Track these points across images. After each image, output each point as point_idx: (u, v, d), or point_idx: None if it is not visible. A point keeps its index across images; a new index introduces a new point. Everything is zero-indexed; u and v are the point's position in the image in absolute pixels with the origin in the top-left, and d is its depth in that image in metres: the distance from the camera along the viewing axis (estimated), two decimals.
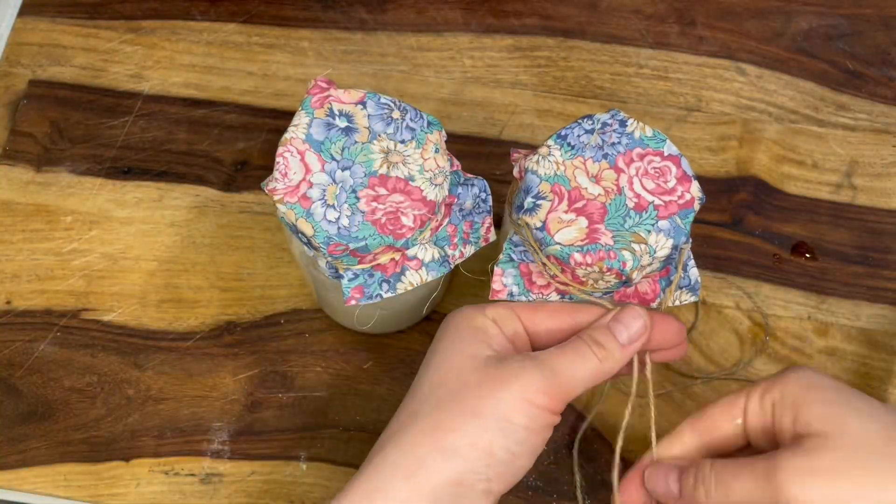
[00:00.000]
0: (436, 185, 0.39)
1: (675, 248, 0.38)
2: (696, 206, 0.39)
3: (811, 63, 0.57)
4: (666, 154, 0.40)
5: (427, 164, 0.39)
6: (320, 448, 0.48)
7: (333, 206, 0.38)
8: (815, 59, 0.57)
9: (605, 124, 0.40)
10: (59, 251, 0.52)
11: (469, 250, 0.42)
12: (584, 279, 0.39)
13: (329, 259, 0.39)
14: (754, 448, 0.37)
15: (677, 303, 0.41)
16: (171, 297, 0.51)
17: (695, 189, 0.39)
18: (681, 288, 0.41)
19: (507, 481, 0.36)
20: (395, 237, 0.38)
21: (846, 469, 0.32)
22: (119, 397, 0.48)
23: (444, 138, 0.40)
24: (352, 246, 0.38)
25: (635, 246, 0.38)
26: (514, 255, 0.41)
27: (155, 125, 0.55)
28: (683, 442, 0.38)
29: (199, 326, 0.50)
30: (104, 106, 0.56)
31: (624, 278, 0.38)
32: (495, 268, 0.41)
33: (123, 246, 0.52)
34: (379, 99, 0.40)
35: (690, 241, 0.40)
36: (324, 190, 0.38)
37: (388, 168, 0.39)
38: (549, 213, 0.39)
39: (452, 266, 0.41)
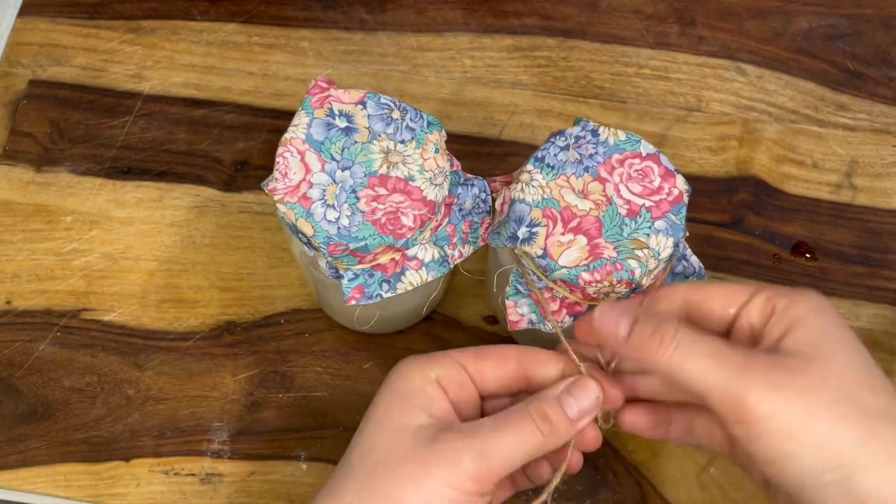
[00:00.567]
0: (436, 185, 0.39)
1: (676, 245, 0.38)
2: (685, 199, 0.39)
3: (811, 63, 0.57)
4: (644, 154, 0.40)
5: (427, 164, 0.39)
6: (320, 448, 0.48)
7: (333, 206, 0.38)
8: (815, 59, 0.57)
9: (577, 137, 0.40)
10: (59, 251, 0.52)
11: (468, 250, 0.42)
12: (595, 295, 0.39)
13: (329, 259, 0.39)
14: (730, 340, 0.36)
15: None
16: (171, 297, 0.51)
17: (680, 182, 0.40)
18: (687, 277, 0.42)
19: None
20: (395, 237, 0.38)
21: (811, 398, 0.32)
22: (119, 397, 0.48)
23: (444, 138, 0.40)
24: (352, 246, 0.38)
25: (639, 252, 0.38)
26: (520, 288, 0.41)
27: (155, 125, 0.55)
28: (672, 301, 0.36)
29: (199, 326, 0.50)
30: (104, 106, 0.56)
31: (634, 286, 0.38)
32: (506, 300, 0.41)
33: (123, 246, 0.52)
34: (379, 99, 0.40)
35: (686, 232, 0.40)
36: (324, 190, 0.38)
37: (388, 168, 0.39)
38: (546, 238, 0.38)
39: (452, 266, 0.41)
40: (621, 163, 0.40)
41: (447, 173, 0.40)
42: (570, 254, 0.38)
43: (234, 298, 0.51)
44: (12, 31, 0.58)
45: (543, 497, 0.36)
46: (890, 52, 0.57)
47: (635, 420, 0.38)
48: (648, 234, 0.38)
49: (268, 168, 0.54)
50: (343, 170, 0.39)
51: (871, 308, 0.51)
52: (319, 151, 0.39)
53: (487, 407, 0.38)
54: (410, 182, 0.39)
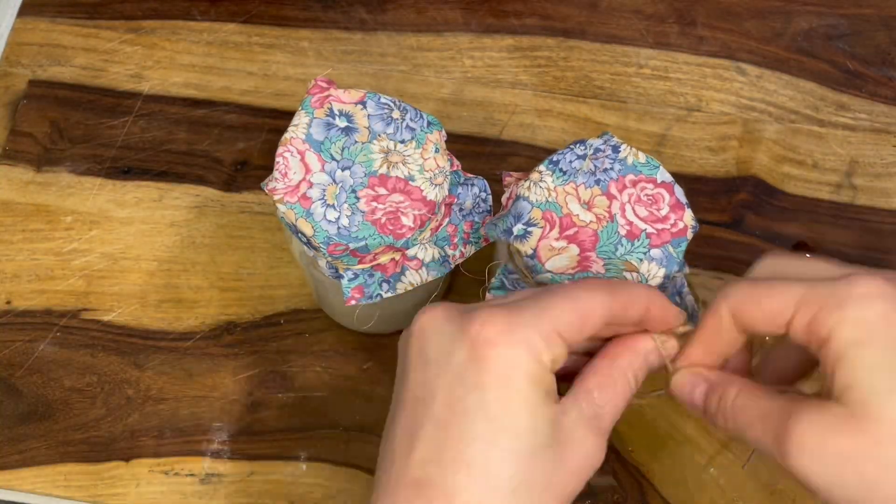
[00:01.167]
0: (436, 185, 0.39)
1: (667, 277, 0.38)
2: (690, 235, 0.38)
3: (811, 63, 0.57)
4: (659, 181, 0.39)
5: (427, 164, 0.39)
6: (320, 448, 0.48)
7: (333, 206, 0.38)
8: (815, 59, 0.57)
9: (597, 150, 0.40)
10: (59, 251, 0.52)
11: (469, 250, 0.42)
12: None
13: (329, 259, 0.39)
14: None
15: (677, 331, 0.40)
16: (171, 297, 0.51)
17: (688, 217, 0.39)
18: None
19: None
20: (395, 237, 0.38)
21: (859, 457, 0.29)
22: (119, 397, 0.48)
23: (444, 138, 0.40)
24: (352, 246, 0.38)
25: (627, 275, 0.37)
26: (506, 282, 0.40)
27: (155, 125, 0.55)
28: (721, 337, 0.33)
29: (199, 326, 0.50)
30: (104, 106, 0.56)
31: None
32: (487, 294, 0.40)
33: (123, 246, 0.52)
34: (379, 99, 0.40)
35: (687, 269, 0.39)
36: (324, 190, 0.38)
37: (388, 168, 0.39)
38: (539, 240, 0.38)
39: (452, 266, 0.41)
40: (634, 184, 0.39)
41: (447, 173, 0.40)
42: (558, 260, 0.38)
43: (234, 298, 0.51)
44: (12, 31, 0.58)
45: None
46: (890, 52, 0.57)
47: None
48: (641, 260, 0.38)
49: (268, 168, 0.54)
50: (343, 170, 0.39)
51: None
52: (319, 151, 0.39)
53: None
54: (410, 182, 0.39)
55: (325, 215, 0.38)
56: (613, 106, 0.55)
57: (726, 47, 0.57)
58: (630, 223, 0.38)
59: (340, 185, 0.39)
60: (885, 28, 0.58)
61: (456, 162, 0.41)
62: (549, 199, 0.39)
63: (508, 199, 0.40)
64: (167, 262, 0.52)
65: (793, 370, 0.36)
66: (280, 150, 0.39)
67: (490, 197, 0.42)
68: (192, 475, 0.47)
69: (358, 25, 0.58)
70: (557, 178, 0.39)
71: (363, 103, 0.40)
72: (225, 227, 0.52)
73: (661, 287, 0.38)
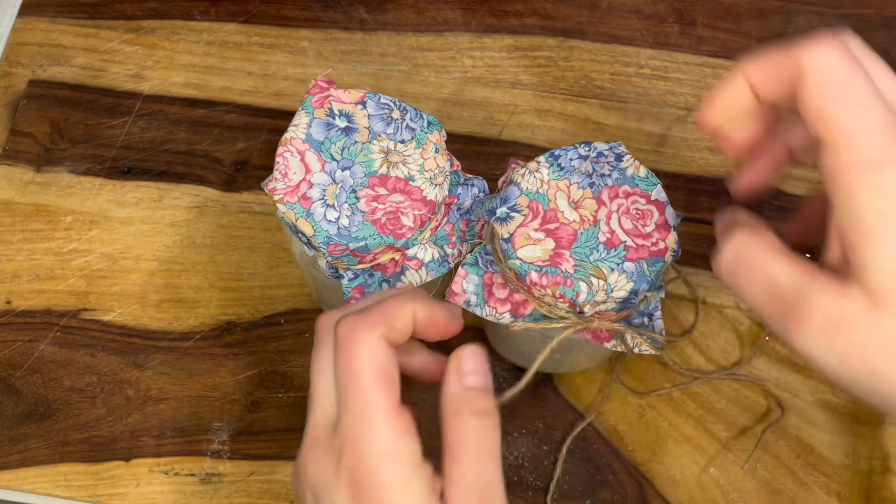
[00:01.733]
0: (436, 185, 0.39)
1: (633, 292, 0.38)
2: (669, 258, 0.38)
3: None
4: (653, 198, 0.39)
5: (427, 164, 0.39)
6: None
7: (333, 206, 0.38)
8: None
9: (601, 154, 0.40)
10: (59, 251, 0.52)
11: (467, 249, 0.42)
12: (539, 298, 0.38)
13: (329, 259, 0.39)
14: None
15: (636, 350, 0.40)
16: (171, 297, 0.51)
17: (671, 240, 0.39)
18: (642, 335, 0.40)
19: None
20: (395, 237, 0.38)
21: (873, 350, 0.28)
22: (119, 397, 0.48)
23: (444, 138, 0.40)
24: (352, 246, 0.38)
25: (593, 280, 0.37)
26: (480, 261, 0.40)
27: (155, 125, 0.55)
28: (737, 90, 0.33)
29: (199, 326, 0.50)
30: (104, 106, 0.56)
31: (577, 309, 0.38)
32: (460, 267, 0.40)
33: (123, 246, 0.52)
34: (379, 99, 0.40)
35: (663, 293, 0.39)
36: (324, 190, 0.38)
37: (388, 168, 0.39)
38: (519, 226, 0.38)
39: (452, 265, 0.41)
40: (627, 195, 0.39)
41: (447, 173, 0.40)
42: (531, 250, 0.38)
43: (234, 298, 0.51)
44: (12, 31, 0.58)
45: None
46: (890, 52, 0.57)
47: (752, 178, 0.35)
48: (612, 269, 0.38)
49: (268, 168, 0.54)
50: (343, 170, 0.39)
51: None
52: (319, 151, 0.39)
53: None
54: (410, 182, 0.39)
55: (325, 215, 0.38)
56: (613, 106, 0.55)
57: (726, 47, 0.57)
58: (612, 232, 0.38)
59: (340, 185, 0.39)
60: (885, 28, 0.58)
61: (456, 162, 0.41)
62: (540, 191, 0.39)
63: (504, 182, 0.40)
64: (167, 262, 0.52)
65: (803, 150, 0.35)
66: (280, 150, 0.39)
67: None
68: (192, 475, 0.47)
69: (358, 25, 0.58)
70: (554, 171, 0.39)
71: (363, 103, 0.40)
72: (225, 227, 0.52)
73: (627, 303, 0.38)
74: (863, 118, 0.29)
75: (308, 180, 0.39)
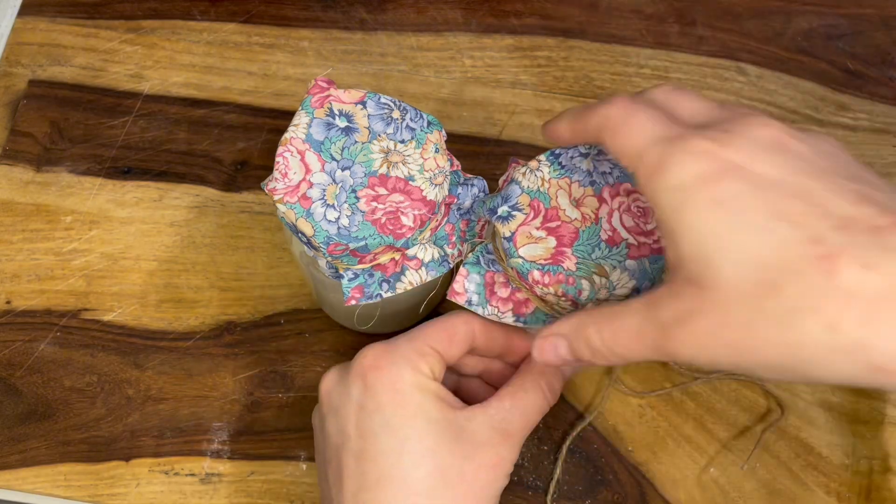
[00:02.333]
0: (436, 185, 0.39)
1: (635, 290, 0.38)
2: None
3: (811, 63, 0.57)
4: None
5: (427, 164, 0.39)
6: None
7: (333, 206, 0.38)
8: (816, 59, 0.57)
9: (601, 152, 0.40)
10: (59, 251, 0.52)
11: (467, 249, 0.42)
12: (542, 297, 0.38)
13: (329, 259, 0.39)
14: None
15: None
16: (171, 297, 0.51)
17: None
18: None
19: None
20: (395, 237, 0.38)
21: (717, 330, 0.29)
22: (119, 397, 0.48)
23: (444, 138, 0.40)
24: (352, 246, 0.38)
25: (596, 278, 0.37)
26: (482, 260, 0.40)
27: (155, 125, 0.55)
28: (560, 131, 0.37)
29: (199, 326, 0.50)
30: (104, 106, 0.56)
31: (579, 307, 0.38)
32: (461, 267, 0.40)
33: (123, 246, 0.52)
34: (379, 99, 0.40)
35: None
36: (324, 190, 0.38)
37: (388, 168, 0.39)
38: (520, 225, 0.38)
39: (452, 265, 0.41)
40: (628, 193, 0.39)
41: (447, 173, 0.40)
42: (533, 248, 0.38)
43: (234, 298, 0.51)
44: (12, 31, 0.58)
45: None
46: (890, 52, 0.57)
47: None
48: (615, 267, 0.38)
49: (268, 168, 0.54)
50: (343, 169, 0.39)
51: None
52: (319, 151, 0.39)
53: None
54: (410, 182, 0.39)
55: (325, 215, 0.38)
56: None
57: (726, 47, 0.57)
58: (614, 230, 0.38)
59: (340, 184, 0.39)
60: (885, 28, 0.58)
61: (456, 162, 0.41)
62: (541, 189, 0.39)
63: (504, 180, 0.40)
64: (167, 262, 0.52)
65: None
66: (280, 149, 0.39)
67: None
68: (192, 475, 0.47)
69: (358, 25, 0.58)
70: (555, 170, 0.39)
71: (363, 103, 0.40)
72: (225, 227, 0.52)
73: (628, 297, 0.38)
74: (636, 138, 0.32)
75: (308, 180, 0.38)
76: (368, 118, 0.40)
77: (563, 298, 0.37)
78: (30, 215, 0.53)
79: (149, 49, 0.57)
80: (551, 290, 0.37)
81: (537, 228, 0.38)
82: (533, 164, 0.39)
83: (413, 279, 0.40)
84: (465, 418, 0.36)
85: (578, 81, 0.56)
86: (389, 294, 0.40)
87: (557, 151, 0.40)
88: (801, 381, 0.31)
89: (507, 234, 0.38)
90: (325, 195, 0.38)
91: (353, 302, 0.40)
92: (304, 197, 0.38)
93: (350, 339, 0.50)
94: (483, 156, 0.54)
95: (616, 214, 0.39)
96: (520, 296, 0.40)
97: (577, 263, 0.38)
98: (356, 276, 0.40)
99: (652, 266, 0.38)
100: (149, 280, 0.51)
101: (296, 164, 0.39)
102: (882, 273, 0.26)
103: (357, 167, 0.39)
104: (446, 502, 0.34)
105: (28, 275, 0.51)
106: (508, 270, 0.39)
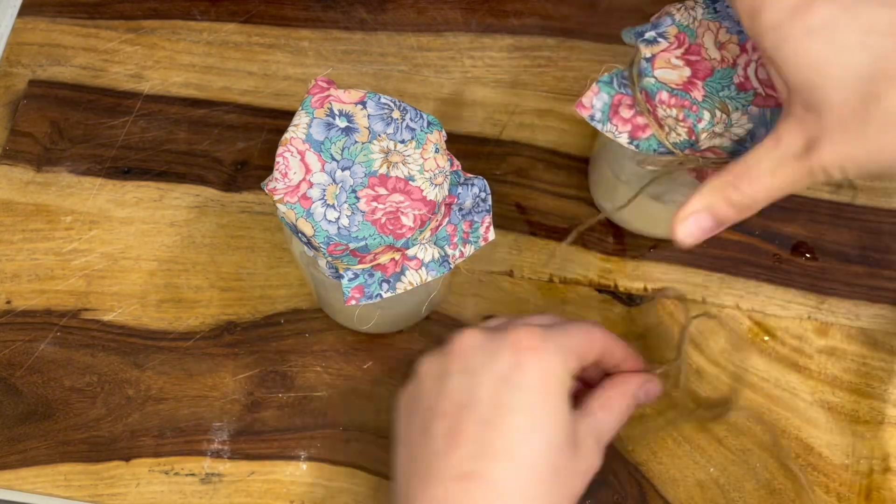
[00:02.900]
0: (436, 185, 0.39)
1: (750, 133, 0.40)
2: None
3: None
4: None
5: (427, 164, 0.39)
6: (320, 448, 0.48)
7: (333, 206, 0.38)
8: None
9: None
10: (59, 251, 0.52)
11: (469, 250, 0.42)
12: (662, 121, 0.41)
13: (329, 259, 0.39)
14: None
15: None
16: (171, 297, 0.51)
17: None
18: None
19: None
20: (395, 237, 0.38)
21: (843, 147, 0.31)
22: (119, 397, 0.48)
23: (444, 138, 0.40)
24: (352, 246, 0.38)
25: (717, 112, 0.40)
26: (615, 82, 0.43)
27: (155, 125, 0.55)
28: None
29: (199, 326, 0.50)
30: (104, 106, 0.56)
31: (693, 137, 0.40)
32: (594, 84, 0.43)
33: (123, 246, 0.52)
34: (379, 99, 0.40)
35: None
36: (324, 190, 0.38)
37: (388, 168, 0.39)
38: (662, 51, 0.41)
39: (452, 266, 0.41)
40: None
41: (447, 173, 0.40)
42: (669, 73, 0.40)
43: (234, 298, 0.51)
44: (12, 31, 0.58)
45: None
46: None
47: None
48: (737, 108, 0.40)
49: (268, 168, 0.54)
50: (343, 170, 0.39)
51: (871, 308, 0.51)
52: (319, 151, 0.39)
53: None
54: (410, 182, 0.39)
55: (325, 215, 0.38)
56: None
57: None
58: (746, 77, 0.41)
59: (340, 185, 0.39)
60: None
61: (456, 162, 0.41)
62: (691, 26, 0.42)
63: (658, 16, 0.43)
64: (167, 262, 0.52)
65: None
66: (280, 150, 0.39)
67: (490, 196, 0.42)
68: (192, 475, 0.47)
69: (358, 25, 0.58)
70: (709, 13, 0.42)
71: (363, 103, 0.40)
72: (225, 227, 0.52)
73: (741, 146, 0.40)
74: None
75: (308, 180, 0.38)
76: (368, 118, 0.40)
77: (682, 124, 0.40)
78: (30, 215, 0.53)
79: (149, 49, 0.57)
80: (673, 112, 0.40)
81: (677, 57, 0.41)
82: (689, 2, 0.42)
83: (413, 279, 0.40)
84: (575, 420, 0.37)
85: (578, 81, 0.56)
86: (389, 294, 0.40)
87: None
88: None
89: (648, 56, 0.41)
90: (325, 195, 0.38)
91: (353, 302, 0.40)
92: (304, 197, 0.38)
93: (350, 339, 0.50)
94: (483, 156, 0.54)
95: (753, 65, 0.41)
96: (640, 120, 0.42)
97: (704, 96, 0.40)
98: (356, 276, 0.40)
99: (773, 117, 0.40)
100: (149, 280, 0.51)
101: (296, 164, 0.39)
102: None
103: (357, 167, 0.39)
104: (551, 498, 0.35)
105: (28, 275, 0.51)
106: (637, 94, 0.41)
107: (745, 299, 0.51)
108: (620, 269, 0.51)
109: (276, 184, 0.38)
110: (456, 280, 0.51)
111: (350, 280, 0.40)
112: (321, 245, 0.38)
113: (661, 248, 0.52)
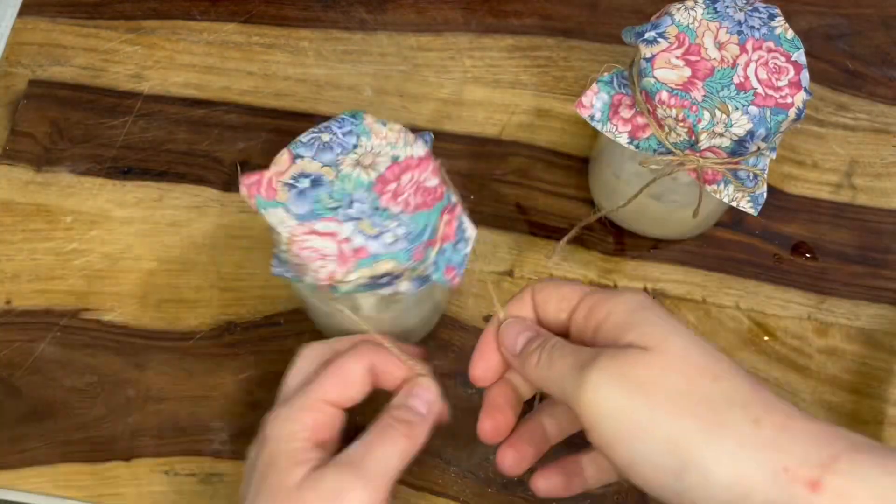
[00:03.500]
0: (411, 145, 0.38)
1: (750, 133, 0.40)
2: (792, 114, 0.40)
3: (811, 63, 0.56)
4: (792, 59, 0.42)
5: (389, 139, 0.39)
6: None
7: (377, 235, 0.37)
8: (815, 59, 0.57)
9: (755, 9, 0.43)
10: (59, 251, 0.52)
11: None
12: (662, 121, 0.41)
13: (423, 265, 0.38)
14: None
15: (735, 204, 0.43)
16: (171, 297, 0.51)
17: (799, 99, 0.41)
18: (742, 181, 0.43)
19: None
20: (431, 201, 0.37)
21: (652, 392, 0.31)
22: (119, 397, 0.48)
23: (375, 120, 0.39)
24: (425, 237, 0.36)
25: (717, 112, 0.40)
26: (615, 81, 0.43)
27: (155, 125, 0.55)
28: (525, 306, 0.38)
29: (199, 326, 0.50)
30: (104, 106, 0.56)
31: (693, 137, 0.40)
32: (594, 84, 0.43)
33: (123, 246, 0.52)
34: (303, 140, 0.39)
35: (774, 154, 0.43)
36: (360, 232, 0.37)
37: (373, 172, 0.38)
38: (662, 51, 0.41)
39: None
40: (769, 51, 0.42)
41: (404, 130, 0.39)
42: (669, 73, 0.41)
43: (234, 298, 0.51)
44: (12, 31, 0.58)
45: None
46: (890, 52, 0.57)
47: (549, 485, 0.39)
48: (737, 108, 0.40)
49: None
50: (349, 206, 0.37)
51: (871, 308, 0.51)
52: (320, 216, 0.37)
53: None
54: (397, 161, 0.38)
55: (384, 242, 0.36)
56: None
57: None
58: (746, 77, 0.41)
59: (363, 215, 0.37)
60: (885, 28, 0.58)
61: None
62: (691, 26, 0.42)
63: (658, 15, 0.43)
64: (167, 262, 0.52)
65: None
66: (295, 248, 0.37)
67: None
68: (192, 475, 0.47)
69: (358, 25, 0.58)
70: (708, 12, 0.42)
71: (296, 157, 0.38)
72: (225, 227, 0.52)
73: (741, 146, 0.41)
74: None
75: (341, 241, 0.37)
76: (314, 159, 0.38)
77: (682, 124, 0.40)
78: (30, 215, 0.53)
79: (149, 49, 0.57)
80: (674, 112, 0.40)
81: (677, 58, 0.41)
82: (689, 3, 0.43)
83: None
84: (324, 463, 0.36)
85: (578, 81, 0.56)
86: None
87: None
88: None
89: (648, 56, 0.41)
90: (364, 233, 0.37)
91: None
92: (356, 251, 0.37)
93: None
94: (483, 156, 0.54)
95: (753, 65, 0.41)
96: (640, 120, 0.42)
97: (704, 96, 0.40)
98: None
99: (773, 117, 0.40)
100: (149, 280, 0.51)
101: (321, 242, 0.37)
102: None
103: (356, 194, 0.38)
104: None
105: (28, 275, 0.51)
106: (637, 94, 0.41)
107: (744, 299, 0.51)
108: (620, 269, 0.51)
109: (325, 267, 0.36)
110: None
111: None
112: (411, 260, 0.37)
113: (661, 248, 0.52)
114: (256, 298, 0.51)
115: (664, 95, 0.40)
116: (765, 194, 0.43)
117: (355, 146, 0.39)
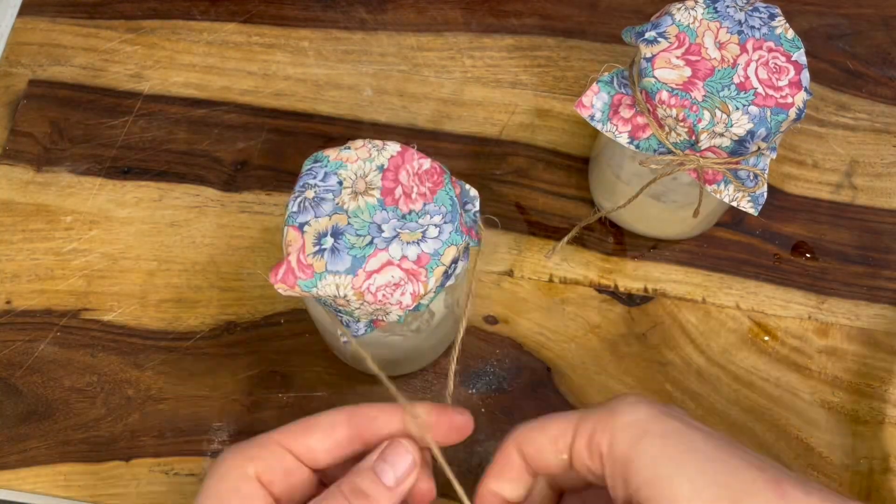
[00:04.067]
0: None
1: (750, 133, 0.40)
2: (792, 114, 0.40)
3: (811, 63, 0.57)
4: (793, 59, 0.42)
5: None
6: None
7: (422, 236, 0.36)
8: (815, 59, 0.57)
9: (756, 9, 0.43)
10: (59, 251, 0.52)
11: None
12: (662, 121, 0.41)
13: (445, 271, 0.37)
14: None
15: (736, 204, 0.43)
16: (171, 297, 0.51)
17: (799, 99, 0.41)
18: (743, 179, 0.43)
19: None
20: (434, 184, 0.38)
21: None
22: (119, 397, 0.48)
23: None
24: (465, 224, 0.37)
25: (717, 112, 0.40)
26: (615, 81, 0.43)
27: (155, 125, 0.55)
28: (513, 467, 0.33)
29: (199, 326, 0.50)
30: (104, 106, 0.56)
31: (693, 137, 0.40)
32: (594, 84, 0.43)
33: (123, 246, 0.52)
34: (293, 212, 0.37)
35: (775, 154, 0.43)
36: (405, 244, 0.36)
37: (364, 194, 0.38)
38: (662, 51, 0.41)
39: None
40: (770, 50, 0.42)
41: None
42: (669, 73, 0.41)
43: (234, 298, 0.51)
44: (12, 31, 0.58)
45: None
46: (890, 52, 0.57)
47: None
48: (738, 108, 0.40)
49: (268, 168, 0.54)
50: (381, 232, 0.37)
51: (871, 308, 0.51)
52: (365, 256, 0.36)
53: (330, 475, 0.35)
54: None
55: (434, 242, 0.36)
56: None
57: None
58: (747, 77, 0.41)
59: (396, 231, 0.36)
60: (885, 28, 0.58)
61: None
62: (691, 26, 0.42)
63: (659, 15, 0.43)
64: (167, 262, 0.52)
65: None
66: (367, 296, 0.35)
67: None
68: (192, 475, 0.47)
69: (358, 25, 0.58)
70: (709, 12, 0.43)
71: (301, 227, 0.37)
72: (225, 227, 0.52)
73: (741, 146, 0.41)
74: None
75: (399, 262, 0.36)
76: (318, 217, 0.37)
77: (682, 124, 0.40)
78: (30, 215, 0.53)
79: (149, 49, 0.57)
80: (674, 112, 0.40)
81: (677, 57, 0.41)
82: (690, 2, 0.43)
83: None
84: None
85: (578, 81, 0.56)
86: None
87: None
88: None
89: (648, 56, 0.41)
90: (410, 243, 0.36)
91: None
92: (420, 261, 0.36)
93: None
94: (483, 156, 0.54)
95: (753, 65, 0.41)
96: (640, 120, 0.42)
97: (704, 96, 0.40)
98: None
99: (773, 117, 0.40)
100: (149, 280, 0.51)
101: (384, 276, 0.36)
102: None
103: (377, 218, 0.37)
104: None
105: (28, 275, 0.51)
106: (637, 94, 0.41)
107: (745, 299, 0.51)
108: (620, 269, 0.51)
109: (405, 290, 0.36)
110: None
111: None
112: (463, 235, 0.37)
113: (661, 248, 0.52)
114: (256, 298, 0.51)
115: (664, 95, 0.40)
116: (765, 194, 0.43)
117: (340, 182, 0.38)
